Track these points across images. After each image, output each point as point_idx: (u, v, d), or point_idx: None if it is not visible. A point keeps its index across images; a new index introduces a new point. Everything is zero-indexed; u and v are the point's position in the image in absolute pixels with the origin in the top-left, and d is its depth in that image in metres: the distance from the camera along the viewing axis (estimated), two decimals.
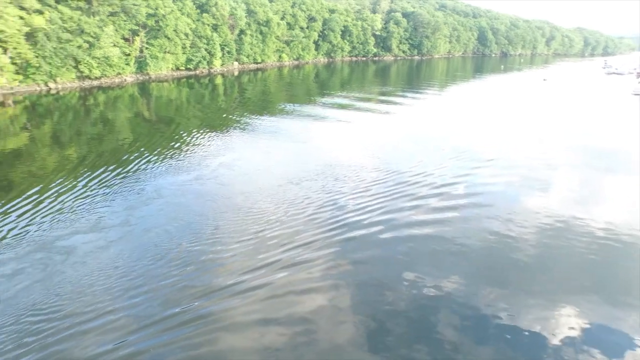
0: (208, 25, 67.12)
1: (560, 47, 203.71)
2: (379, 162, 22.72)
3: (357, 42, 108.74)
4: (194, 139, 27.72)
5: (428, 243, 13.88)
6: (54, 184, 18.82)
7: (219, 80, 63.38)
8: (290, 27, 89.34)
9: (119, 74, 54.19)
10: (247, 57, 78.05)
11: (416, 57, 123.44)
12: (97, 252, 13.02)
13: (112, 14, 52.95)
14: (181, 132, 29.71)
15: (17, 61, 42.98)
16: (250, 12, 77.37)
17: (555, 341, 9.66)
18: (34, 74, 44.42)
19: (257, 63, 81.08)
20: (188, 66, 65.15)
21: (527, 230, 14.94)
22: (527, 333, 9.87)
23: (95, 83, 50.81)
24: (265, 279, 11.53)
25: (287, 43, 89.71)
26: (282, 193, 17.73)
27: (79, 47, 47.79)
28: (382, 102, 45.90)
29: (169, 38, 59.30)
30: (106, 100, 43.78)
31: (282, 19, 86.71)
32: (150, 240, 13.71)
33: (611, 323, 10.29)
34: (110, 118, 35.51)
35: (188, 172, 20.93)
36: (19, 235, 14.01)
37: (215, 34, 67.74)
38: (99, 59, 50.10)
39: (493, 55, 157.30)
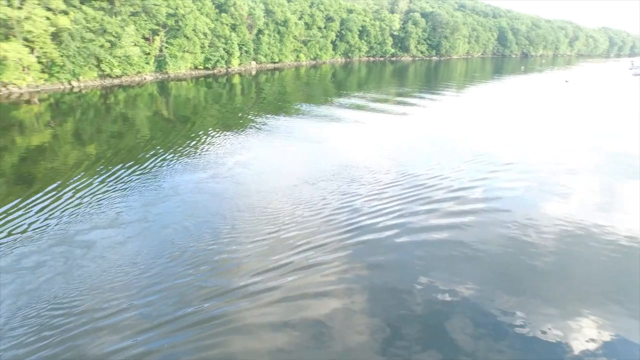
0: (226, 25, 67.80)
1: (584, 48, 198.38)
2: (395, 163, 22.55)
3: (375, 42, 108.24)
4: (211, 137, 28.04)
5: (444, 248, 13.70)
6: (74, 180, 19.32)
7: (236, 79, 63.96)
8: (308, 27, 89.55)
9: (139, 72, 55.25)
10: (265, 56, 78.54)
11: (434, 58, 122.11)
12: (115, 247, 13.30)
13: (133, 14, 54.03)
14: (198, 131, 30.10)
15: (43, 60, 44.27)
16: (268, 12, 77.84)
17: (573, 353, 9.41)
18: (58, 72, 45.68)
19: (274, 63, 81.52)
20: (206, 65, 65.97)
21: (545, 237, 14.59)
22: (543, 343, 9.64)
23: (116, 81, 51.92)
24: (279, 280, 11.56)
25: (305, 43, 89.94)
26: (297, 193, 17.77)
27: (101, 46, 48.93)
28: (399, 103, 45.56)
29: (188, 37, 60.16)
30: (126, 99, 44.70)
31: (300, 18, 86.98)
32: (167, 237, 13.93)
33: (634, 337, 9.95)
34: (130, 116, 36.24)
35: (204, 170, 21.19)
36: (40, 229, 14.42)
37: (233, 34, 68.39)
38: (119, 58, 51.18)
39: (513, 56, 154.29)
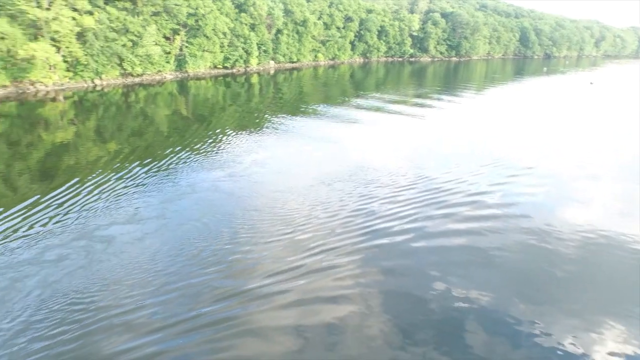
0: (246, 24, 68.36)
1: (611, 48, 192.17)
2: (411, 166, 22.32)
3: (394, 43, 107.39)
4: (229, 136, 28.31)
5: (460, 253, 13.48)
6: (94, 175, 19.80)
7: (254, 79, 64.44)
8: (326, 27, 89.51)
9: (159, 71, 56.21)
10: (283, 56, 78.88)
11: (454, 59, 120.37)
12: (134, 243, 13.56)
13: (154, 14, 55.01)
14: (216, 129, 30.43)
15: (68, 59, 45.50)
16: (287, 12, 78.15)
17: None
18: (82, 71, 46.87)
19: (292, 62, 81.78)
20: (225, 65, 66.63)
21: (566, 244, 14.20)
22: (562, 355, 9.37)
23: (137, 80, 52.94)
24: (293, 283, 11.56)
25: (323, 43, 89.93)
26: (313, 194, 17.77)
27: (124, 45, 49.99)
28: (417, 104, 45.09)
29: (207, 37, 60.89)
30: (147, 97, 45.56)
31: (319, 18, 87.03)
32: (184, 235, 14.12)
33: None
34: (150, 114, 36.93)
35: (221, 168, 21.41)
36: (61, 222, 14.84)
37: (252, 33, 68.89)
38: (141, 57, 52.18)
39: (535, 57, 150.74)
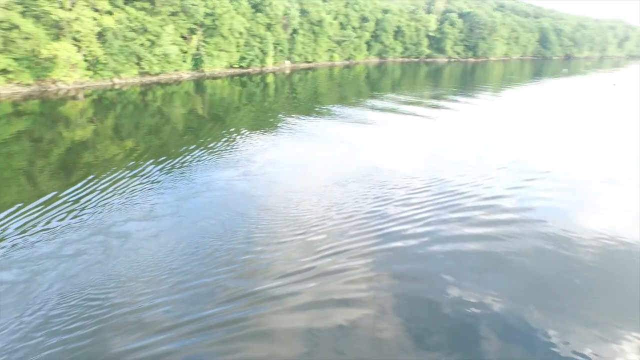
0: (262, 24, 68.78)
1: (636, 49, 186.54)
2: (426, 168, 22.09)
3: (410, 43, 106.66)
4: (243, 135, 28.51)
5: (475, 258, 13.26)
6: (111, 171, 20.18)
7: (270, 78, 64.76)
8: (342, 27, 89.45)
9: (176, 70, 57.01)
10: (299, 56, 79.12)
11: (471, 59, 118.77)
12: (149, 240, 13.75)
13: (172, 14, 55.81)
14: (230, 129, 30.67)
15: (89, 58, 46.55)
16: (303, 12, 78.35)
17: None
18: (101, 70, 47.88)
19: (308, 62, 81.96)
20: (241, 64, 67.18)
21: (585, 250, 13.83)
22: None
23: (155, 79, 53.78)
24: (304, 285, 11.54)
25: (339, 43, 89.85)
26: (327, 195, 17.74)
27: (142, 45, 50.85)
28: (433, 105, 44.62)
29: (224, 36, 61.47)
30: (164, 96, 46.24)
31: (334, 18, 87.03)
32: (198, 233, 14.26)
33: None
34: (166, 113, 37.45)
35: (236, 167, 21.56)
36: (79, 218, 15.15)
37: (268, 33, 69.27)
38: (158, 56, 53.01)
39: (555, 58, 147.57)
